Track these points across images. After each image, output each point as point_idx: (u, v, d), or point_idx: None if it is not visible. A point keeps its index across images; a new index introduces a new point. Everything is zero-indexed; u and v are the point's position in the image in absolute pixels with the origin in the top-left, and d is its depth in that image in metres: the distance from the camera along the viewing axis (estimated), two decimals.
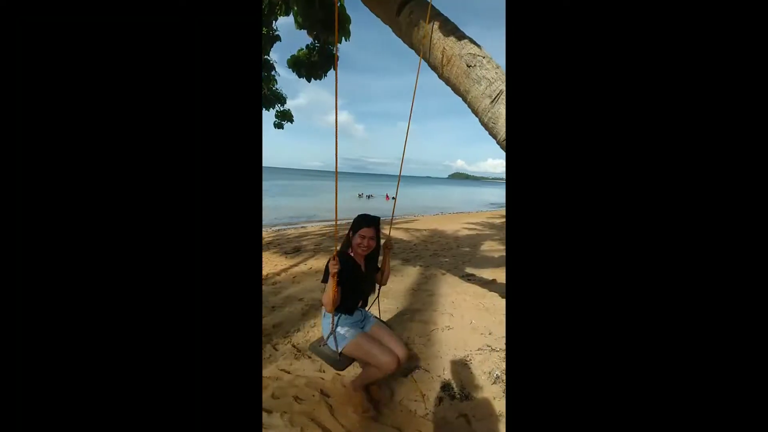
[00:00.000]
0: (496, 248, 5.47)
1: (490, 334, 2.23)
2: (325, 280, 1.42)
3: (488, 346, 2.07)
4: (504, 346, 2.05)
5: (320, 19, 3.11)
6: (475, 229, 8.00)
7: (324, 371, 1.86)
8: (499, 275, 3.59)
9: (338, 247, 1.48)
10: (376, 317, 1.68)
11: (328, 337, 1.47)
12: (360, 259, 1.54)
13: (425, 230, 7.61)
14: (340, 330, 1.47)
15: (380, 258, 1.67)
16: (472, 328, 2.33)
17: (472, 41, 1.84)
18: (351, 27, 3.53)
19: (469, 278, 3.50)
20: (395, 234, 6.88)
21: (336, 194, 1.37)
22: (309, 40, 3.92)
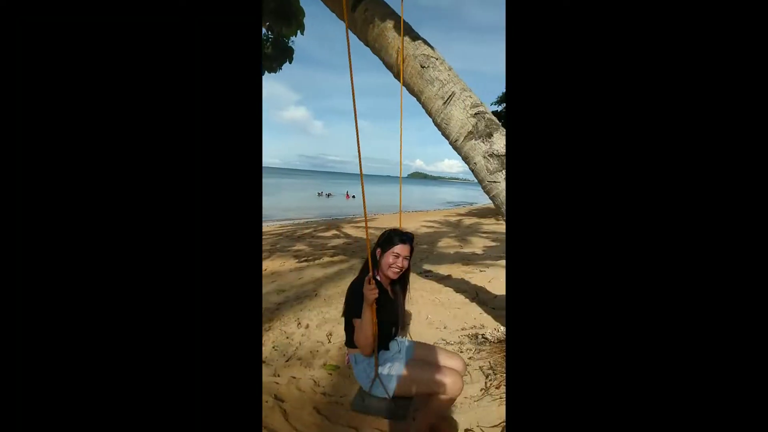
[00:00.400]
0: (452, 245, 5.68)
1: (445, 327, 2.31)
2: (354, 315, 1.17)
3: (443, 339, 2.14)
4: (458, 339, 2.13)
5: (272, 9, 2.98)
6: (432, 227, 8.23)
7: (278, 375, 1.79)
8: (454, 271, 3.73)
9: (361, 266, 1.27)
10: (410, 340, 1.42)
11: (371, 386, 1.19)
12: (386, 283, 1.30)
13: (386, 228, 7.66)
14: (383, 370, 1.20)
15: None
16: (428, 322, 2.39)
17: (425, 42, 1.88)
18: (306, 20, 3.43)
19: (427, 274, 3.60)
20: (355, 233, 6.85)
21: (363, 198, 1.14)
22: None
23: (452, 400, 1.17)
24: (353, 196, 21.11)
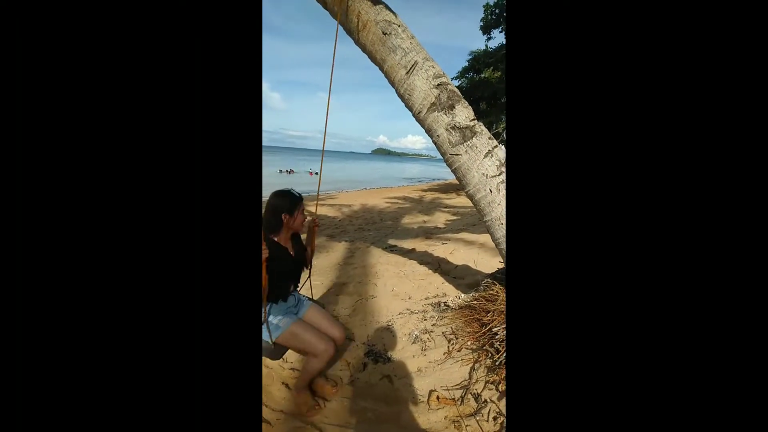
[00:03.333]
0: (415, 220, 5.81)
1: (409, 298, 2.39)
2: None
3: (408, 309, 2.22)
4: (422, 308, 2.22)
5: None
6: (397, 203, 8.32)
7: None
8: (418, 244, 3.83)
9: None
10: (309, 299, 1.58)
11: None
12: (286, 242, 1.42)
13: (350, 205, 7.61)
14: (273, 320, 1.35)
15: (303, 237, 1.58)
16: (393, 294, 2.46)
17: (387, 7, 1.79)
18: None
19: (392, 249, 3.66)
20: (319, 210, 6.72)
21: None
22: None
23: (324, 364, 1.35)
24: (316, 173, 20.57)
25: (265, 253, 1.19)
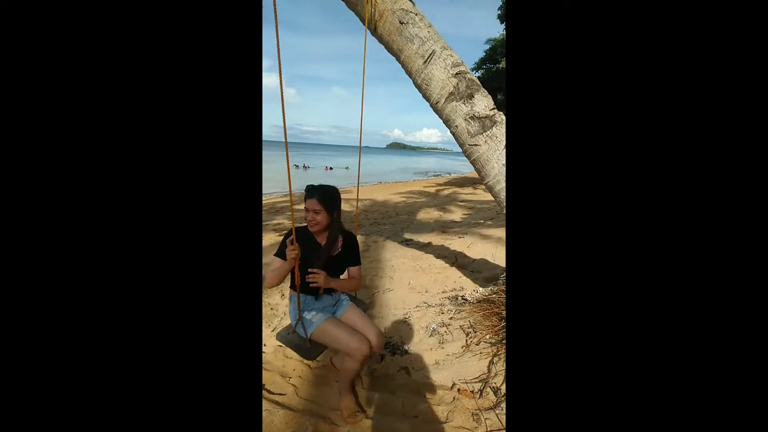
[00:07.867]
0: (431, 215, 5.76)
1: (426, 291, 2.38)
2: (278, 254, 1.28)
3: (425, 303, 2.21)
4: (439, 301, 2.21)
5: None
6: (412, 197, 8.28)
7: (265, 345, 1.80)
8: (434, 239, 3.80)
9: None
10: (352, 300, 1.53)
11: (296, 324, 1.35)
12: (319, 236, 1.36)
13: (366, 200, 7.63)
14: (307, 315, 1.34)
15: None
16: (410, 287, 2.45)
17: None
18: None
19: (408, 243, 3.65)
20: None
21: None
22: None
23: (358, 364, 1.27)
24: (331, 168, 20.74)
25: (293, 253, 1.21)
